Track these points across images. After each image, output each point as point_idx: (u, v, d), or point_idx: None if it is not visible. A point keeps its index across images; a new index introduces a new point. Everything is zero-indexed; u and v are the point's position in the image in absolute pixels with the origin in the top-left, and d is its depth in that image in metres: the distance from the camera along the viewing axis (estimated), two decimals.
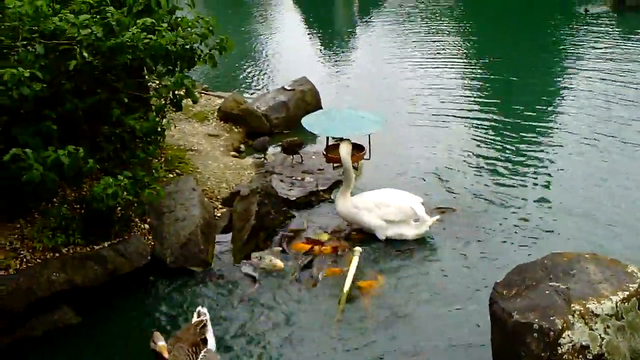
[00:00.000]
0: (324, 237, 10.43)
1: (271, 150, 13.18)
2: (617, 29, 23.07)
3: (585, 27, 23.45)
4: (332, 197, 11.67)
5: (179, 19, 9.45)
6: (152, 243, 9.76)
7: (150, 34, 8.59)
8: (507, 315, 7.03)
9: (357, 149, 11.96)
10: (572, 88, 17.75)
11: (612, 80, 17.90)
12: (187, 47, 9.24)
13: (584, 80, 18.16)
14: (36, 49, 8.08)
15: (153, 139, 9.70)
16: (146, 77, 10.06)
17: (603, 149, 13.63)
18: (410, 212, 10.30)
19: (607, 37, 22.05)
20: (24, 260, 8.70)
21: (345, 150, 10.60)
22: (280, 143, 12.64)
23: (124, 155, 9.29)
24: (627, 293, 6.94)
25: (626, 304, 6.87)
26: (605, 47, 21.15)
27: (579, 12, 25.05)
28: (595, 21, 24.03)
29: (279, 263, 9.66)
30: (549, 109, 16.34)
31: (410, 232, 10.40)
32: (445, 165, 13.03)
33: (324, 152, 11.99)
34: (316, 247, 10.12)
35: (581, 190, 11.95)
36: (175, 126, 10.83)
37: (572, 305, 6.79)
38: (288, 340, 8.34)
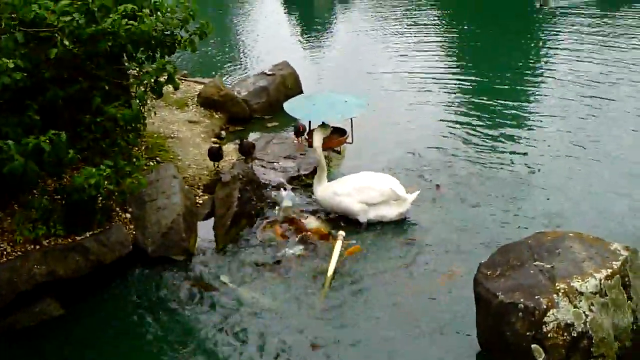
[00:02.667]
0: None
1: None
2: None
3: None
4: (314, 181, 11.61)
5: (158, 4, 9.35)
6: (134, 232, 9.70)
7: (132, 20, 8.49)
8: (492, 296, 7.10)
9: (340, 132, 11.95)
10: (547, 69, 17.94)
11: (586, 61, 18.13)
12: (168, 32, 9.15)
13: (557, 62, 18.37)
14: (16, 37, 7.97)
15: (134, 127, 9.62)
16: (126, 64, 9.96)
17: (577, 127, 13.93)
18: (391, 193, 10.32)
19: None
20: (4, 253, 8.65)
21: (317, 138, 10.61)
22: (237, 141, 12.55)
23: (105, 144, 9.20)
24: (610, 271, 7.02)
25: (610, 281, 6.95)
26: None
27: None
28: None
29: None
30: (524, 90, 16.51)
31: (391, 212, 10.44)
32: (427, 146, 13.13)
33: (307, 137, 11.96)
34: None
35: (559, 167, 12.14)
36: (155, 113, 10.74)
37: (556, 284, 6.86)
38: (271, 327, 8.35)
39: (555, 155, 12.59)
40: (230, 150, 12.41)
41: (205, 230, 10.27)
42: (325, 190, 10.65)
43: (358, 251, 9.68)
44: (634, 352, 7.19)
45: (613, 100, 15.18)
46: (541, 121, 14.27)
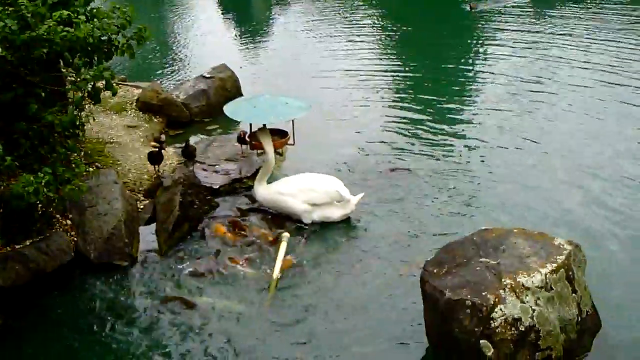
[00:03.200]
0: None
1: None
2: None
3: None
4: None
5: (95, 10, 9.20)
6: (75, 239, 9.54)
7: (67, 27, 8.35)
8: (439, 293, 7.13)
9: (281, 134, 11.93)
10: (482, 68, 18.22)
11: (521, 58, 18.57)
12: (105, 38, 9.01)
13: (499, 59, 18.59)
14: None
15: (72, 133, 9.45)
16: (63, 70, 9.79)
17: (520, 120, 14.26)
18: (336, 194, 10.32)
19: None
20: None
21: (267, 142, 10.67)
22: (177, 145, 12.43)
23: (43, 151, 9.02)
24: (555, 265, 7.12)
25: (555, 275, 7.05)
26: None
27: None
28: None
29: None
30: (463, 87, 16.79)
31: (336, 213, 10.45)
32: (369, 146, 13.20)
33: (248, 139, 11.91)
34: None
35: (502, 160, 12.38)
36: (94, 119, 10.57)
37: (503, 279, 6.92)
38: (219, 330, 8.29)
39: (498, 147, 12.87)
40: (170, 154, 12.30)
41: (148, 235, 10.14)
42: (269, 190, 10.61)
43: (289, 265, 9.51)
44: (579, 344, 7.32)
45: (553, 93, 15.64)
46: (483, 116, 14.55)
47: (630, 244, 9.65)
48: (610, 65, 17.32)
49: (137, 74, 18.14)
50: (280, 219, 10.58)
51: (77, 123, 9.34)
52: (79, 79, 9.04)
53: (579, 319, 7.29)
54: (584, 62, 17.76)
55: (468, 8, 24.58)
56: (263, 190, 10.66)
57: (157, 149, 11.35)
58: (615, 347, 7.62)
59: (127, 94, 15.18)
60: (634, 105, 14.70)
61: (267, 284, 9.01)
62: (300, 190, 10.40)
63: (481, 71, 17.77)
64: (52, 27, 8.13)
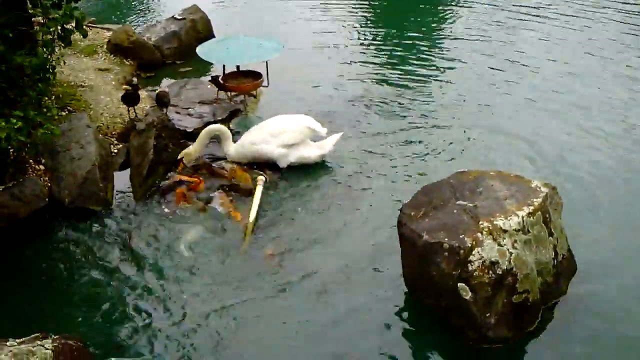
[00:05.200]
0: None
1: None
2: None
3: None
4: (230, 126, 11.48)
5: None
6: (49, 184, 9.44)
7: None
8: (416, 236, 7.10)
9: (255, 76, 11.83)
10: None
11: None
12: None
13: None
14: None
15: (42, 76, 9.27)
16: (30, 10, 9.56)
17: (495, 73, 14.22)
18: (307, 131, 10.24)
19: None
20: None
21: (193, 148, 10.29)
22: (155, 92, 12.21)
23: (13, 95, 8.84)
24: (532, 207, 7.11)
25: (532, 218, 7.04)
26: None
27: None
28: None
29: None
30: (442, 48, 16.73)
31: (312, 153, 10.36)
32: (345, 90, 13.04)
33: (221, 81, 11.79)
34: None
35: (479, 110, 12.36)
36: (64, 62, 10.39)
37: (480, 222, 6.90)
38: (196, 273, 8.30)
39: (474, 95, 12.84)
40: (143, 97, 12.14)
41: (122, 180, 10.06)
42: (239, 145, 10.41)
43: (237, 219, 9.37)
44: (555, 286, 7.37)
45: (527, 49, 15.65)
46: (457, 69, 14.40)
47: (607, 185, 9.73)
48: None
49: (107, 17, 17.86)
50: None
51: (48, 66, 9.17)
52: (47, 20, 8.84)
53: (555, 262, 7.32)
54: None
55: None
56: (234, 148, 10.43)
57: (132, 90, 11.16)
58: (591, 290, 7.68)
59: (97, 36, 14.94)
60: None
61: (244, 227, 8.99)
62: (271, 134, 10.25)
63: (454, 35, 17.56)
64: None
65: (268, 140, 10.24)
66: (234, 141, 10.53)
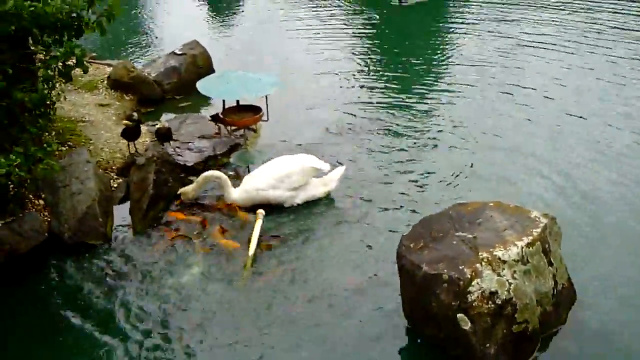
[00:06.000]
0: None
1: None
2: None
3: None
4: (230, 160, 11.52)
5: None
6: (49, 219, 9.47)
7: (35, 2, 8.21)
8: (415, 268, 7.13)
9: (255, 110, 11.89)
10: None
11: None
12: (74, 14, 8.88)
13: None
14: None
15: (43, 111, 9.34)
16: (32, 47, 9.64)
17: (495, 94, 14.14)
18: (312, 170, 10.26)
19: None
20: None
21: (191, 188, 10.39)
22: (156, 127, 12.27)
23: (14, 131, 8.90)
24: (531, 238, 7.14)
25: (531, 248, 7.07)
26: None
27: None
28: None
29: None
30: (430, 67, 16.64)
31: (318, 191, 10.39)
32: (344, 122, 13.09)
33: (221, 116, 11.87)
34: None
35: (477, 132, 12.51)
36: (65, 98, 10.46)
37: (479, 253, 6.92)
38: (196, 309, 8.27)
39: (478, 118, 12.99)
40: (143, 132, 12.20)
41: (122, 214, 10.09)
42: (243, 191, 10.31)
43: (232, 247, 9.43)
44: (554, 315, 7.38)
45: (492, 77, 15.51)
46: (460, 94, 14.50)
47: (605, 217, 9.71)
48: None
49: (108, 52, 17.98)
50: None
51: (48, 101, 9.24)
52: (48, 57, 8.92)
53: (555, 292, 7.34)
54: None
55: (397, 2, 22.87)
56: (238, 194, 10.33)
57: (134, 124, 11.21)
58: (590, 319, 7.67)
59: (97, 72, 15.05)
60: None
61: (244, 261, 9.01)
62: (276, 179, 10.18)
63: (451, 58, 17.65)
64: (19, 2, 7.99)
65: (274, 185, 10.17)
66: (235, 180, 10.58)
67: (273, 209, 10.12)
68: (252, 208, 10.08)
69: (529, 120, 12.84)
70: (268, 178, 10.22)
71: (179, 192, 10.29)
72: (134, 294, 8.55)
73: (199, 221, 9.87)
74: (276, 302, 8.30)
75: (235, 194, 10.31)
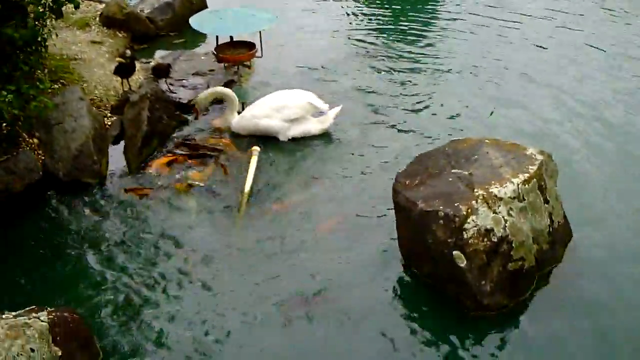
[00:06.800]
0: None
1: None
2: None
3: None
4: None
5: None
6: (43, 158, 9.41)
7: None
8: (411, 205, 7.10)
9: (249, 46, 11.77)
10: None
11: None
12: None
13: None
14: None
15: (34, 49, 9.22)
16: None
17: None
18: (309, 107, 10.23)
19: None
20: None
21: (203, 96, 10.42)
22: (153, 63, 12.14)
23: (5, 69, 8.80)
24: (527, 175, 7.10)
25: (527, 185, 7.04)
26: None
27: None
28: None
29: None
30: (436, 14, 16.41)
31: (314, 127, 10.36)
32: (338, 59, 12.98)
33: (214, 52, 11.75)
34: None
35: (475, 74, 12.35)
36: (56, 35, 10.31)
37: (475, 190, 6.89)
38: (190, 245, 8.31)
39: (465, 68, 12.71)
40: (137, 69, 12.07)
41: (117, 152, 10.04)
42: (242, 117, 10.41)
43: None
44: (550, 254, 7.37)
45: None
46: (464, 36, 14.33)
47: (602, 153, 9.68)
48: None
49: None
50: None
51: (39, 38, 9.12)
52: None
53: (551, 229, 7.33)
54: None
55: None
56: (236, 120, 10.45)
57: (127, 61, 11.10)
58: (586, 257, 7.67)
59: (89, 8, 14.80)
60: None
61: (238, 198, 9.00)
62: (273, 109, 10.25)
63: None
64: None
65: (270, 114, 10.24)
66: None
67: (267, 146, 10.08)
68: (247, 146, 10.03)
69: (530, 73, 12.48)
70: (265, 107, 10.31)
71: (192, 102, 10.56)
72: (128, 231, 8.55)
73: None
74: (270, 239, 8.31)
75: (235, 120, 10.43)
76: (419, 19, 15.05)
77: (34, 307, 6.27)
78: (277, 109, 10.25)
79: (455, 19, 15.07)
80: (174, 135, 10.47)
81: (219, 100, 10.89)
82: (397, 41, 13.86)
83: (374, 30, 14.63)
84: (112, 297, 7.50)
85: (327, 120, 10.38)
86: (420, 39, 13.99)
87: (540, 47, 13.51)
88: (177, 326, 7.12)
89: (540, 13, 15.25)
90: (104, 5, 14.69)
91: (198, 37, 13.75)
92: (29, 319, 5.97)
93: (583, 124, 10.45)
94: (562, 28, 14.36)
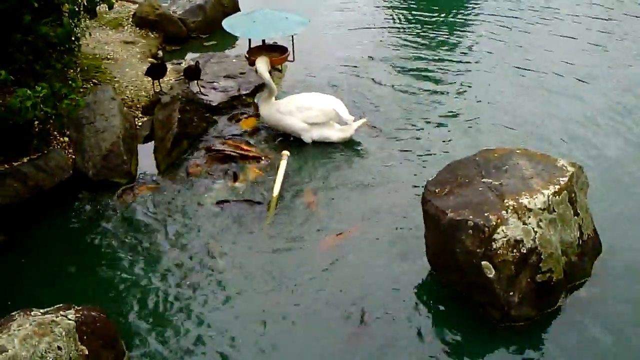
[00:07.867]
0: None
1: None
2: None
3: None
4: (255, 100, 11.45)
5: None
6: (73, 156, 9.46)
7: None
8: (441, 213, 7.06)
9: (281, 50, 11.76)
10: None
11: None
12: None
13: None
14: None
15: (68, 47, 9.28)
16: None
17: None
18: (333, 114, 10.22)
19: None
20: None
21: (262, 67, 10.37)
22: (184, 65, 12.18)
23: (39, 67, 8.86)
24: (558, 187, 7.03)
25: (557, 197, 6.97)
26: None
27: None
28: None
29: None
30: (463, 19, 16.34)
31: (335, 135, 10.34)
32: (369, 63, 12.99)
33: (246, 55, 11.77)
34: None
35: (504, 81, 12.29)
36: (90, 34, 10.39)
37: (505, 200, 6.84)
38: (221, 249, 8.30)
39: (498, 70, 12.68)
40: (168, 70, 12.12)
41: (146, 153, 10.08)
42: (270, 109, 10.50)
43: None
44: (579, 267, 7.32)
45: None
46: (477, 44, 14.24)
47: (634, 167, 9.59)
48: None
49: None
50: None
51: (73, 37, 9.17)
52: None
53: (580, 242, 7.27)
54: None
55: None
56: (266, 109, 10.55)
57: (159, 62, 11.15)
58: (615, 271, 7.60)
59: (123, 9, 14.92)
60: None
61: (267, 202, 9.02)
62: (297, 108, 10.30)
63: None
64: None
65: (293, 112, 10.30)
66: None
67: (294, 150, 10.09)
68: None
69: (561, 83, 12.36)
70: (290, 105, 10.39)
71: (257, 63, 10.56)
72: (156, 232, 8.59)
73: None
74: (296, 244, 8.34)
75: (265, 108, 10.58)
76: (457, 19, 15.01)
77: (61, 305, 6.30)
78: (301, 109, 10.29)
79: (494, 20, 15.08)
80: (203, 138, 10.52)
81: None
82: (430, 44, 13.88)
83: (407, 29, 14.66)
84: (140, 296, 7.54)
85: (349, 130, 10.35)
86: (456, 40, 14.01)
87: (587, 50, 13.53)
88: (206, 329, 7.14)
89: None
90: (137, 5, 14.79)
91: (229, 40, 13.79)
92: (57, 317, 6.01)
93: (617, 136, 10.37)
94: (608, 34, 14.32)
